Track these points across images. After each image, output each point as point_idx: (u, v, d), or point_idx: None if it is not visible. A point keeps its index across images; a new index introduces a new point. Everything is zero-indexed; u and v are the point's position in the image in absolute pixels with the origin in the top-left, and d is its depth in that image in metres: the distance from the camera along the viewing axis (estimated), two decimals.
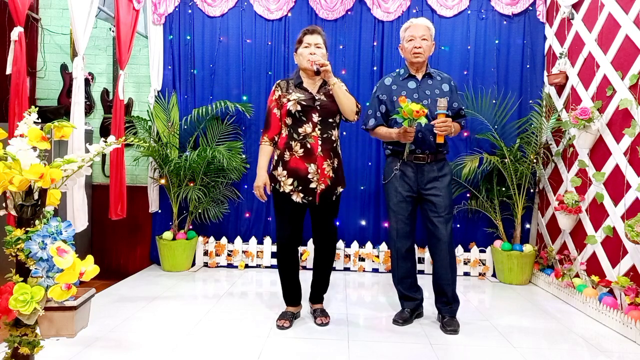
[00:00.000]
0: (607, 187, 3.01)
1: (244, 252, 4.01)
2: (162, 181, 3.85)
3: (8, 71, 2.55)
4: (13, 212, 1.50)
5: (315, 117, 2.48)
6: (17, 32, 2.53)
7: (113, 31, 3.91)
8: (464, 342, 2.44)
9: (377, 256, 3.94)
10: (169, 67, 4.02)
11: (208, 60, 4.04)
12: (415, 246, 3.54)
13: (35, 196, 1.50)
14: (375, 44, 3.98)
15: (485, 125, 3.76)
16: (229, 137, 3.98)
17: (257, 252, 4.01)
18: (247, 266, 4.00)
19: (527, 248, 3.67)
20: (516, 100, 3.84)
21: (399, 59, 3.82)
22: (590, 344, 2.47)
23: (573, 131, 3.31)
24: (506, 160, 3.62)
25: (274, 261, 3.92)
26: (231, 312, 2.84)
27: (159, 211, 4.03)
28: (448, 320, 2.60)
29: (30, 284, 1.43)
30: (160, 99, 3.92)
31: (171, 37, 4.03)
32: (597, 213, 3.09)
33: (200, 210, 3.93)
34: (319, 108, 2.49)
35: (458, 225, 3.95)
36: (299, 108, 2.46)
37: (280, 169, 2.51)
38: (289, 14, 4.00)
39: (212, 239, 4.03)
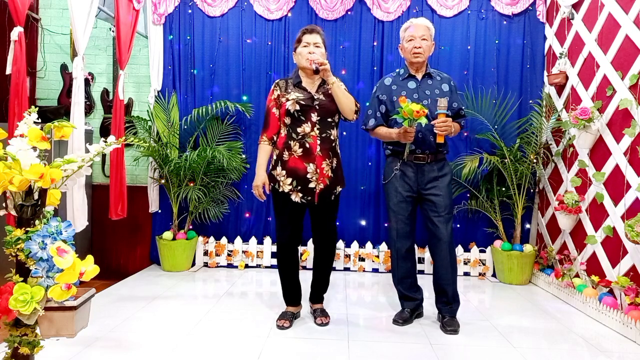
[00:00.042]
0: (607, 187, 3.01)
1: (244, 252, 4.01)
2: (162, 181, 3.86)
3: (8, 71, 2.55)
4: (13, 212, 1.50)
5: (314, 117, 2.48)
6: (17, 32, 2.53)
7: (113, 31, 3.91)
8: (464, 342, 2.44)
9: (377, 256, 3.94)
10: (169, 67, 4.02)
11: (208, 60, 4.04)
12: (415, 246, 3.54)
13: (35, 196, 1.50)
14: (375, 44, 3.98)
15: (485, 125, 3.76)
16: (229, 137, 3.98)
17: (257, 252, 4.01)
18: (247, 266, 4.00)
19: (527, 248, 3.67)
20: (516, 100, 3.84)
21: (399, 59, 3.82)
22: (590, 344, 2.47)
23: (573, 131, 3.31)
24: (506, 160, 3.62)
25: (274, 261, 3.92)
26: (231, 312, 2.84)
27: (159, 211, 4.03)
28: (448, 320, 2.60)
29: (30, 284, 1.43)
30: (160, 99, 3.92)
31: (171, 37, 4.03)
32: (597, 213, 3.09)
33: (200, 210, 3.93)
34: (317, 107, 2.49)
35: (458, 225, 3.95)
36: (297, 108, 2.46)
37: (279, 168, 2.51)
38: (289, 14, 4.00)
39: (212, 239, 4.03)
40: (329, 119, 2.52)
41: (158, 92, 3.96)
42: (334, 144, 2.55)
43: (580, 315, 2.94)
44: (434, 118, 2.49)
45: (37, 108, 1.60)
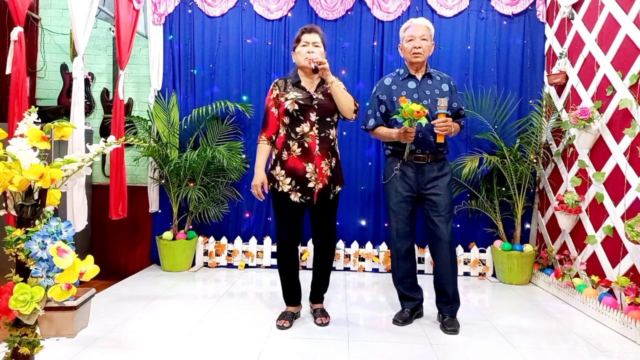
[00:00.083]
0: (607, 187, 3.01)
1: (244, 252, 4.01)
2: (162, 181, 3.86)
3: (8, 71, 2.55)
4: (13, 212, 1.50)
5: (313, 116, 2.48)
6: (17, 32, 2.53)
7: (113, 31, 3.91)
8: (464, 342, 2.44)
9: (377, 256, 3.94)
10: (169, 67, 4.02)
11: (208, 60, 4.04)
12: (415, 246, 3.54)
13: (35, 196, 1.50)
14: (375, 44, 3.98)
15: (485, 125, 3.76)
16: (229, 137, 3.98)
17: (257, 252, 4.01)
18: (247, 266, 4.00)
19: (527, 248, 3.67)
20: (516, 100, 3.84)
21: (399, 59, 3.81)
22: (590, 344, 2.47)
23: (573, 131, 3.31)
24: (506, 160, 3.62)
25: (274, 261, 3.92)
26: (231, 312, 2.84)
27: (159, 211, 4.03)
28: (448, 320, 2.60)
29: (30, 284, 1.43)
30: (160, 99, 3.92)
31: (171, 37, 4.03)
32: (597, 213, 3.09)
33: (200, 210, 3.93)
34: (316, 107, 2.48)
35: (458, 225, 3.95)
36: (296, 107, 2.46)
37: (278, 168, 2.51)
38: (289, 14, 4.00)
39: (212, 239, 4.03)
40: (328, 119, 2.52)
41: (158, 92, 3.96)
42: (333, 144, 2.54)
43: (580, 315, 2.94)
44: (434, 118, 2.49)
45: (37, 108, 1.60)
